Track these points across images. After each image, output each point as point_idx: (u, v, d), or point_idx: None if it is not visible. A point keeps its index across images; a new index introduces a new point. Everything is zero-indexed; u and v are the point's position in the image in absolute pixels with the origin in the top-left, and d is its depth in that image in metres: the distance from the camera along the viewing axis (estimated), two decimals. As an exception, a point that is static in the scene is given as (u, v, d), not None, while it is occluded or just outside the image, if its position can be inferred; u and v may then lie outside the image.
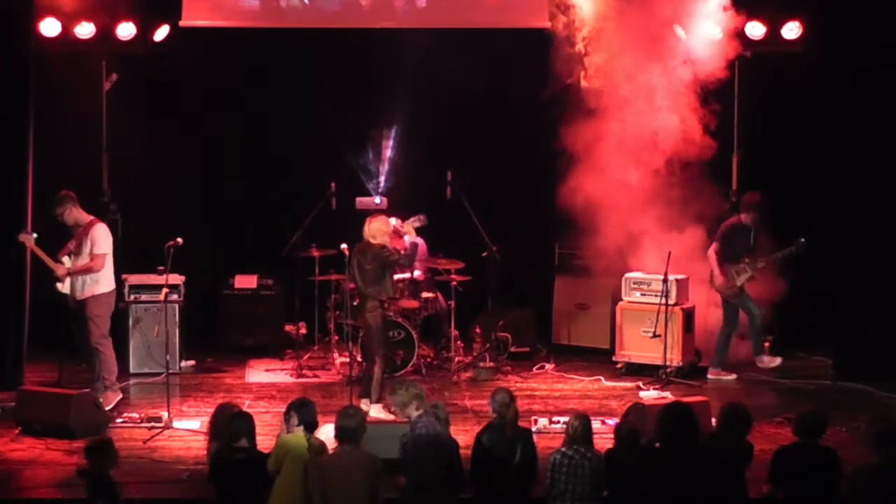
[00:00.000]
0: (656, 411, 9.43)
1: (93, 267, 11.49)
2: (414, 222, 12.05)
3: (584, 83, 13.20)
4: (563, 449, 8.46)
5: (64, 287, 11.54)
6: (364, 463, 8.23)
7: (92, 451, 8.38)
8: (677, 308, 12.85)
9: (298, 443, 8.39)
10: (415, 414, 8.63)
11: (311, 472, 8.24)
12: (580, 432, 8.47)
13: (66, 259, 11.56)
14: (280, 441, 8.50)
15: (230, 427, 8.47)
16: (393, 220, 12.30)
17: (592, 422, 9.00)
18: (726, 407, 8.84)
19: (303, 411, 8.50)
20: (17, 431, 10.82)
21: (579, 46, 13.25)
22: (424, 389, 9.00)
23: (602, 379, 12.87)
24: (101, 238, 11.58)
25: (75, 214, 11.59)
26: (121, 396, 11.75)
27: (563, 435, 8.67)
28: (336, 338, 13.36)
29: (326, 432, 9.83)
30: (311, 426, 8.51)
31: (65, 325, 12.05)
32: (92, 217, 11.74)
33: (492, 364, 13.07)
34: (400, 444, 8.57)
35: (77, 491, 9.43)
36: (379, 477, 8.24)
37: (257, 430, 8.62)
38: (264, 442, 8.76)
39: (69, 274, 11.50)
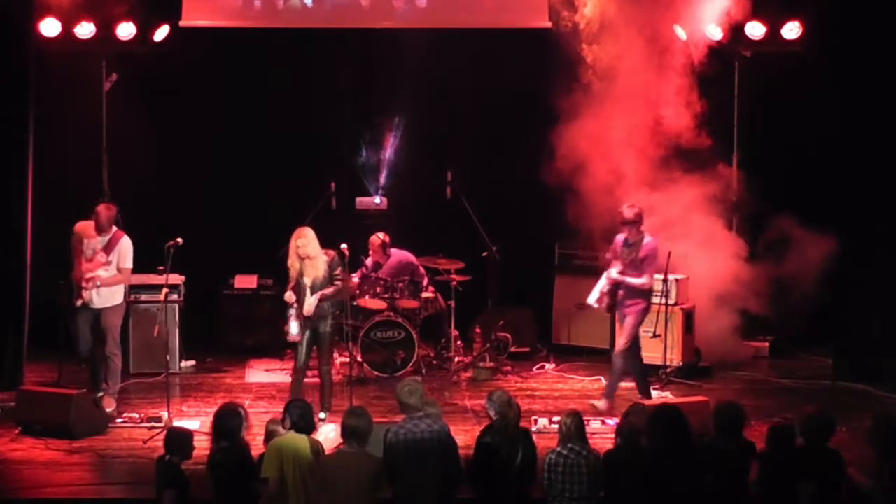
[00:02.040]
0: (656, 411, 9.40)
1: (122, 280, 11.55)
2: None
3: (588, 82, 13.19)
4: (559, 448, 8.38)
5: (88, 295, 11.49)
6: (365, 464, 8.13)
7: (170, 438, 8.40)
8: (677, 308, 12.85)
9: (290, 444, 8.31)
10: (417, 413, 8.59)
11: (313, 473, 8.23)
12: (574, 430, 8.39)
13: (100, 271, 11.49)
14: (271, 445, 8.41)
15: (216, 427, 8.46)
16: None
17: (592, 422, 9.02)
18: (718, 408, 8.79)
19: (296, 413, 8.43)
20: (17, 431, 10.81)
21: (583, 45, 13.24)
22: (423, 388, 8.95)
23: (602, 379, 12.83)
24: (129, 252, 11.56)
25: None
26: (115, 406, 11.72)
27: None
28: (336, 338, 13.32)
29: (326, 433, 9.85)
30: (303, 428, 8.41)
31: (64, 326, 12.04)
32: (116, 228, 11.67)
33: (492, 364, 13.07)
34: (388, 442, 8.39)
35: (76, 491, 9.47)
36: (380, 479, 8.14)
37: (258, 430, 8.60)
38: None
39: (99, 285, 11.45)
